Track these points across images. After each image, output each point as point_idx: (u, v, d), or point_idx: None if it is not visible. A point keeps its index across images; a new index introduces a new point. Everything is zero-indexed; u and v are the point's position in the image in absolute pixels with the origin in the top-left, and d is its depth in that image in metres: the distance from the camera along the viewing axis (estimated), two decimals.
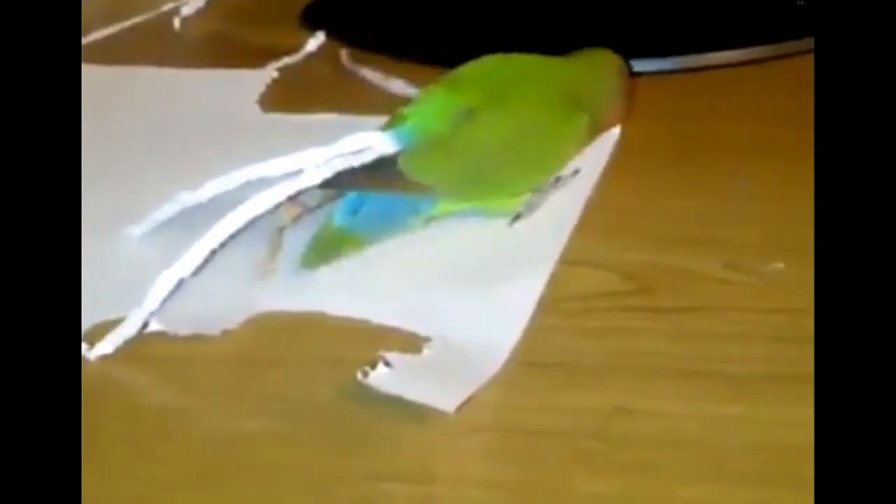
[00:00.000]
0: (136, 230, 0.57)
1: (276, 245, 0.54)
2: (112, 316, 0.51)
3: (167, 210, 0.56)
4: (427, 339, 0.50)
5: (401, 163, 0.54)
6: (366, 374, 0.47)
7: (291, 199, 0.53)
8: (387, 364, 0.48)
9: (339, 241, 0.54)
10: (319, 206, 0.55)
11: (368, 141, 0.54)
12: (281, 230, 0.54)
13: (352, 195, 0.54)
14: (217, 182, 0.54)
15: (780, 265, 0.53)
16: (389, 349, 0.48)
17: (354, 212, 0.54)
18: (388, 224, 0.55)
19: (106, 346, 0.50)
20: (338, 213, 0.54)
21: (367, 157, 0.54)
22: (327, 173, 0.53)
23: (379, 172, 0.54)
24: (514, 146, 0.57)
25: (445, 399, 0.46)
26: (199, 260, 0.52)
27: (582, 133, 0.59)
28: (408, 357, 0.49)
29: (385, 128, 0.56)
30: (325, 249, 0.54)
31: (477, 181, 0.56)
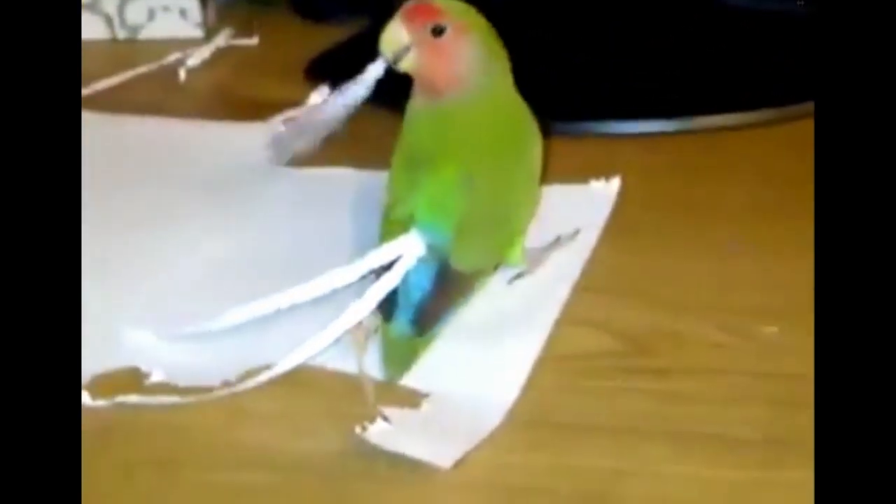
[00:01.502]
0: (140, 334, 0.55)
1: (365, 376, 0.51)
2: (109, 368, 0.52)
3: (182, 332, 0.54)
4: (425, 395, 0.50)
5: (455, 264, 0.53)
6: (364, 429, 0.47)
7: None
8: (385, 419, 0.48)
9: (411, 350, 0.52)
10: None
11: (399, 249, 0.52)
12: (360, 360, 0.52)
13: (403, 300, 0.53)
14: (242, 310, 0.53)
15: (775, 329, 0.53)
16: (388, 404, 0.49)
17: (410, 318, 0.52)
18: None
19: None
20: (396, 323, 0.52)
21: (406, 265, 0.52)
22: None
23: (443, 290, 0.52)
24: (518, 187, 0.57)
25: (442, 455, 0.46)
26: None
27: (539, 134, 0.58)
28: (406, 412, 0.49)
29: (390, 235, 0.53)
30: (402, 360, 0.51)
31: (503, 241, 0.56)
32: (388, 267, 0.53)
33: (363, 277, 0.53)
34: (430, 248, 0.53)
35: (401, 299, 0.52)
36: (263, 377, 0.51)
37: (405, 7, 0.55)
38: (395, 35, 0.55)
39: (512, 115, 0.57)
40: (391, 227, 0.54)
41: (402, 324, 0.52)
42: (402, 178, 0.56)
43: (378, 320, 0.53)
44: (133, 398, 0.50)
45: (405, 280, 0.52)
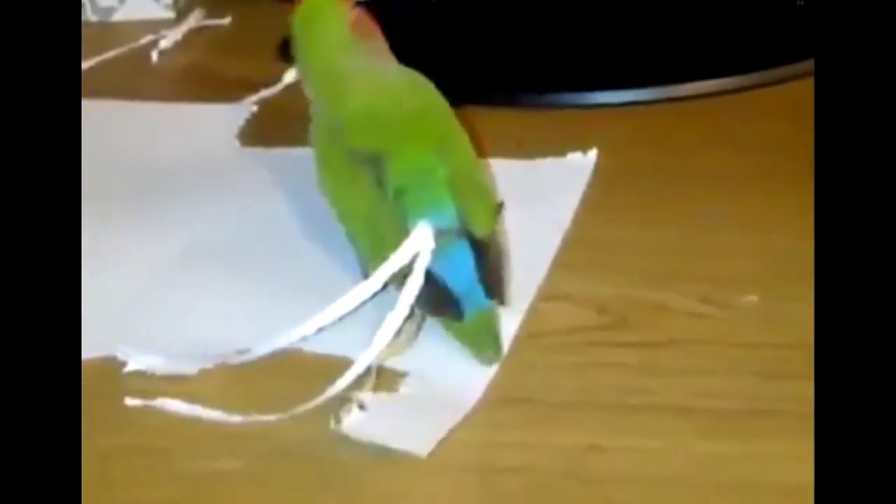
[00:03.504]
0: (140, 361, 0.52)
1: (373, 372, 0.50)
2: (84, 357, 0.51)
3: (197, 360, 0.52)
4: (404, 375, 0.50)
5: (479, 232, 0.52)
6: (339, 420, 0.47)
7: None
8: (361, 407, 0.48)
9: (492, 326, 0.51)
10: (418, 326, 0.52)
11: (413, 247, 0.51)
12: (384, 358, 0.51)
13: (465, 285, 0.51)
14: (268, 343, 0.51)
15: (754, 298, 0.53)
16: (366, 386, 0.49)
17: (465, 295, 0.51)
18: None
19: None
20: (472, 308, 0.51)
21: (425, 261, 0.50)
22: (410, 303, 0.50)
23: (487, 257, 0.51)
24: (465, 147, 0.55)
25: (419, 442, 0.46)
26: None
27: None
28: (382, 397, 0.49)
29: (385, 243, 0.52)
30: (494, 338, 0.51)
31: (489, 204, 0.54)
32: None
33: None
34: (443, 232, 0.51)
35: (459, 286, 0.51)
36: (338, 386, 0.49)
37: None
38: None
39: (413, 85, 0.57)
40: (383, 234, 0.52)
41: (477, 304, 0.51)
42: (352, 183, 0.54)
43: (415, 325, 0.52)
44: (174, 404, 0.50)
45: (452, 271, 0.51)
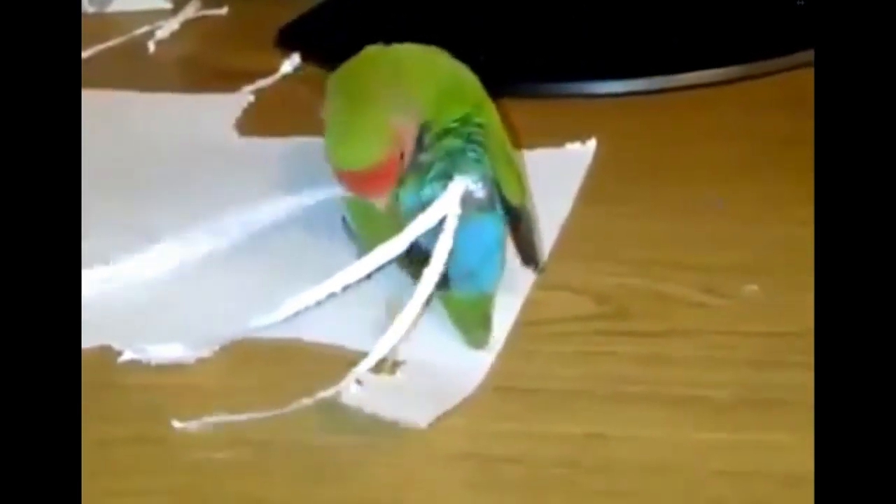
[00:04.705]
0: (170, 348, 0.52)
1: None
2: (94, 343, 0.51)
3: (218, 336, 0.52)
4: (401, 363, 0.50)
5: (514, 200, 0.52)
6: (339, 393, 0.47)
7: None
8: (358, 382, 0.48)
9: (484, 309, 0.51)
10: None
11: (442, 209, 0.50)
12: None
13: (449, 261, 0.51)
14: (297, 300, 0.51)
15: (755, 287, 0.53)
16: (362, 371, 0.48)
17: (470, 273, 0.51)
18: (497, 262, 0.52)
19: None
20: (459, 283, 0.51)
21: (454, 224, 0.50)
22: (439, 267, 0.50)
23: (518, 226, 0.53)
24: (496, 120, 0.55)
25: (418, 415, 0.46)
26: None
27: None
28: (381, 378, 0.49)
29: (410, 189, 0.52)
30: (481, 320, 0.51)
31: (519, 175, 0.54)
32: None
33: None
34: (469, 202, 0.51)
35: (468, 263, 0.51)
36: (362, 367, 0.48)
37: (370, 184, 0.51)
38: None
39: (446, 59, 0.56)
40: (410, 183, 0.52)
41: (478, 285, 0.51)
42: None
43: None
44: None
45: (464, 246, 0.51)
